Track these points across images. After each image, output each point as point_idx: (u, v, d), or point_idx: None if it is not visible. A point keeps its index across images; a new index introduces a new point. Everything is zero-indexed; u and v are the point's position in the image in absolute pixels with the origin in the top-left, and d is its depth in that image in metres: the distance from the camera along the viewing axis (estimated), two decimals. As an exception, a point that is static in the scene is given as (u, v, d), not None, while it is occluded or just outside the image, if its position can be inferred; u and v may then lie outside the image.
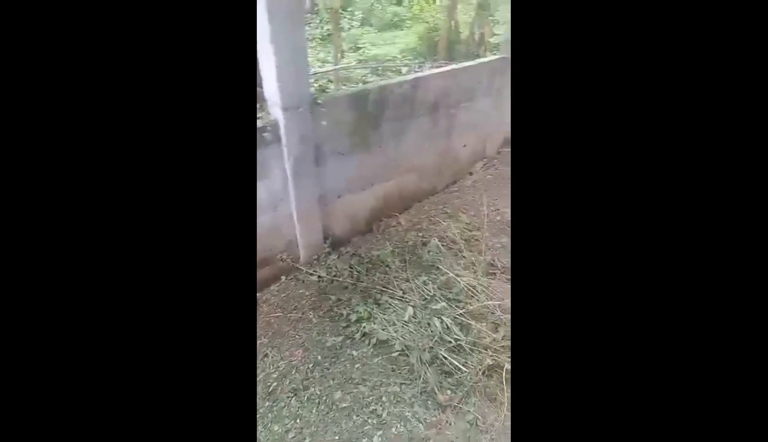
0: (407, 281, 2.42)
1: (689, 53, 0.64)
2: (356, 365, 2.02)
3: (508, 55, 3.04)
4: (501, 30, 3.54)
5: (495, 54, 3.18)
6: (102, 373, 0.66)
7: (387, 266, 2.53)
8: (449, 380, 1.90)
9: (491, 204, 3.11)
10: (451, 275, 2.42)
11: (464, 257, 2.60)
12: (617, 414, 0.67)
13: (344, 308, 2.29)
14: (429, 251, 2.64)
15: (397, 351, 2.04)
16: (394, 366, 1.98)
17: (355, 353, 2.07)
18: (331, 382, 1.94)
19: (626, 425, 0.66)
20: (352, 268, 2.51)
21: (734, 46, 0.62)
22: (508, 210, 3.10)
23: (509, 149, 3.71)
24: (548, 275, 0.69)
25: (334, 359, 2.06)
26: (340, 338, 2.15)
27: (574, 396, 0.68)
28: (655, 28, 0.64)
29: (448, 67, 2.78)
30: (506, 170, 3.49)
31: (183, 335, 0.69)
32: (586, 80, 0.67)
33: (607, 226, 0.67)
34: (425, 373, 1.92)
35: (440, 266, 2.51)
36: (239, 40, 0.74)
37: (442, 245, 2.70)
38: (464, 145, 3.29)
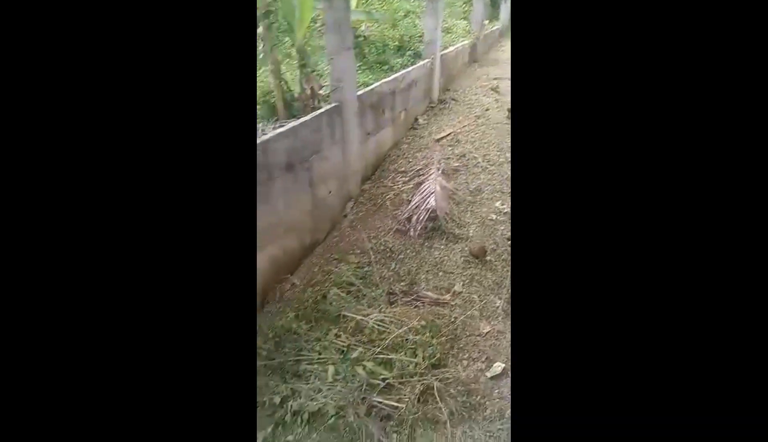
0: (319, 340, 2.35)
1: (689, 58, 0.63)
2: (295, 451, 1.85)
3: (339, 102, 3.21)
4: (327, 81, 3.68)
5: (328, 104, 3.27)
6: (100, 365, 0.65)
7: (295, 332, 2.43)
8: (391, 423, 1.87)
9: (372, 237, 3.20)
10: (358, 317, 2.42)
11: (364, 294, 2.63)
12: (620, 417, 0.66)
13: (264, 394, 2.12)
14: (331, 302, 2.60)
15: (333, 415, 1.95)
16: (334, 434, 1.91)
17: (291, 438, 1.93)
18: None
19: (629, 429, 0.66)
20: (259, 348, 2.36)
21: (734, 65, 0.61)
22: (390, 238, 3.21)
23: (370, 185, 3.92)
24: (549, 279, 0.69)
25: (268, 455, 1.87)
26: (270, 428, 1.97)
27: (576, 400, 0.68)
28: (661, 35, 0.64)
29: (290, 125, 2.76)
30: (373, 203, 3.65)
31: (180, 338, 0.69)
32: (586, 82, 0.66)
33: (611, 229, 0.67)
34: (366, 427, 1.88)
35: (346, 313, 2.49)
36: (239, 40, 0.74)
37: (341, 291, 2.68)
38: (330, 192, 3.34)
